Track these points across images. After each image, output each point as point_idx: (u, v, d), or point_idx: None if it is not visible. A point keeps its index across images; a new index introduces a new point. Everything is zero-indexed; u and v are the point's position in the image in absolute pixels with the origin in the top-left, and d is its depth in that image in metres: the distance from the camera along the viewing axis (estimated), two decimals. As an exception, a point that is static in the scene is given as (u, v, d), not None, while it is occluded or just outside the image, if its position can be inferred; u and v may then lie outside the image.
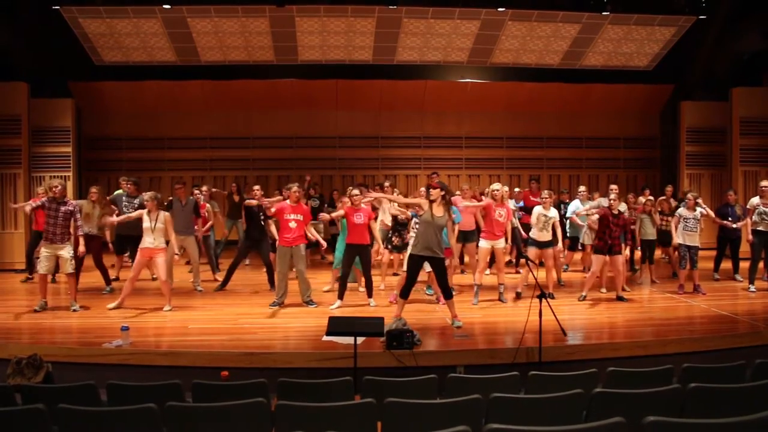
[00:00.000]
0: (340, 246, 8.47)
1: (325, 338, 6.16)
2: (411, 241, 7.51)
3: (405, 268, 7.33)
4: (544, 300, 5.82)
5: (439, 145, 14.87)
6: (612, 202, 8.21)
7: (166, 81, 13.44)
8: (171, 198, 9.10)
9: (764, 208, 8.93)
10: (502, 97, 14.42)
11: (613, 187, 8.82)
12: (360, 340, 5.51)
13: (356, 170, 14.72)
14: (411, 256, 6.86)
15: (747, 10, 11.88)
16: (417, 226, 7.51)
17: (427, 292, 8.61)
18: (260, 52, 12.86)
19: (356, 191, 7.89)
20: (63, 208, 7.56)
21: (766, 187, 9.02)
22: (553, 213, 8.33)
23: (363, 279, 8.36)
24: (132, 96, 13.74)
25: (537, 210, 8.34)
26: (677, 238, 8.76)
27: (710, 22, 12.28)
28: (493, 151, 14.89)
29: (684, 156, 13.72)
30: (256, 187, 9.19)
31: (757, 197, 9.15)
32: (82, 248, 7.71)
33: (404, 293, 6.79)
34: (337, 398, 3.91)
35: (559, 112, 14.75)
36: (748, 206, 9.30)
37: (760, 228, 8.98)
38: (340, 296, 7.91)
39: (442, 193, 6.71)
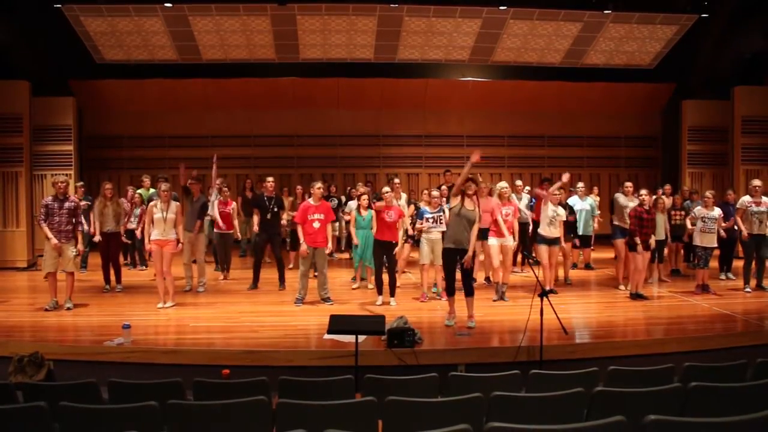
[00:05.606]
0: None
1: (327, 336, 6.16)
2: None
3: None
4: (545, 298, 5.81)
5: (440, 144, 14.86)
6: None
7: (167, 79, 13.43)
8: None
9: (757, 208, 8.62)
10: (504, 95, 14.39)
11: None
12: (361, 338, 5.52)
13: (358, 169, 14.70)
14: (445, 250, 6.82)
15: (749, 10, 11.85)
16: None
17: (433, 291, 8.62)
18: (261, 50, 12.85)
19: (387, 189, 8.11)
20: (66, 204, 7.55)
21: (758, 186, 8.72)
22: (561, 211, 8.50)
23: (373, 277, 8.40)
24: (133, 94, 13.74)
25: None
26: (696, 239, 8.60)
27: (712, 21, 12.26)
28: (495, 149, 14.85)
29: (685, 155, 13.72)
30: (270, 178, 9.06)
31: (747, 196, 8.77)
32: (81, 246, 7.72)
33: (450, 290, 6.84)
34: (338, 396, 3.91)
35: (561, 110, 14.73)
36: (738, 205, 8.87)
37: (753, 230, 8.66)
38: (380, 292, 7.99)
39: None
